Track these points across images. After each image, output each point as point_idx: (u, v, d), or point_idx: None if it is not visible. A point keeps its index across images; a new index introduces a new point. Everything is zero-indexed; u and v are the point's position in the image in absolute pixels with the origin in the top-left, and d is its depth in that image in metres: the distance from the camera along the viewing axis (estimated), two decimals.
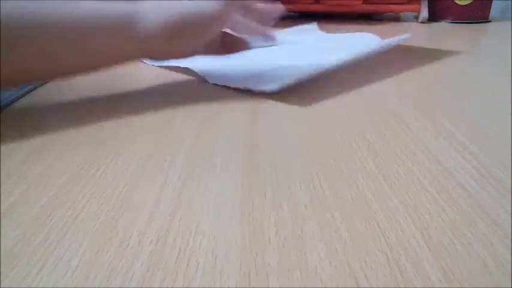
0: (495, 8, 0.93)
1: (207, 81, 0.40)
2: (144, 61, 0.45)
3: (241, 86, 0.37)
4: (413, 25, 0.85)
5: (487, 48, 0.63)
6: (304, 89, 0.38)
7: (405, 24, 0.87)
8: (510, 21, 0.88)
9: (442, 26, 0.85)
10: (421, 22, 0.87)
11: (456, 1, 0.88)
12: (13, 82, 0.28)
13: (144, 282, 0.16)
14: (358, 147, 0.27)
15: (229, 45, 0.38)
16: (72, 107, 0.34)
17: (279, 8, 0.40)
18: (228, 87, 0.39)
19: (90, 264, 0.17)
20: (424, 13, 0.87)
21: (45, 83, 0.40)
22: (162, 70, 0.45)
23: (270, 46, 0.41)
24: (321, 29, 0.61)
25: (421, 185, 0.22)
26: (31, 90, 0.38)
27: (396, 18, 0.95)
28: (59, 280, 0.16)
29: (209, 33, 0.35)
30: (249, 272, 0.16)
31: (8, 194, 0.22)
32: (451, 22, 0.88)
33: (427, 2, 0.87)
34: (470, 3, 0.87)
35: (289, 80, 0.36)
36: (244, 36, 0.38)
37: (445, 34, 0.75)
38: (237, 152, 0.26)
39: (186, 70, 0.43)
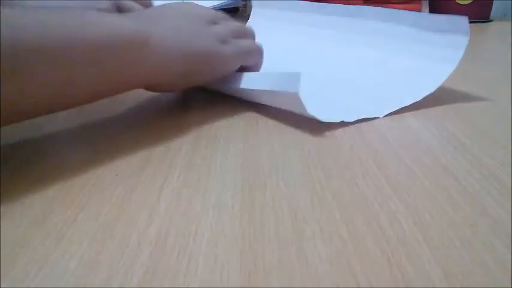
0: (496, 7, 0.93)
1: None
2: None
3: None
4: None
5: (488, 48, 0.63)
6: None
7: None
8: (511, 21, 0.88)
9: None
10: None
11: (457, 0, 0.88)
12: (14, 115, 0.22)
13: (144, 283, 0.16)
14: (359, 148, 0.27)
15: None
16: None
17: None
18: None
19: (89, 265, 0.17)
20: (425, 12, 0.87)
21: None
22: None
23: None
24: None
25: (422, 185, 0.22)
26: None
27: None
28: (59, 280, 0.16)
29: (221, 74, 0.33)
30: (249, 272, 0.16)
31: (8, 193, 0.22)
32: None
33: (427, 1, 0.87)
34: (471, 2, 0.87)
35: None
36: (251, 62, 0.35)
37: None
38: (237, 151, 0.26)
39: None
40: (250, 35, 0.36)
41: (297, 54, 0.46)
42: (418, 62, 0.36)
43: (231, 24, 0.35)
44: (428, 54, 0.36)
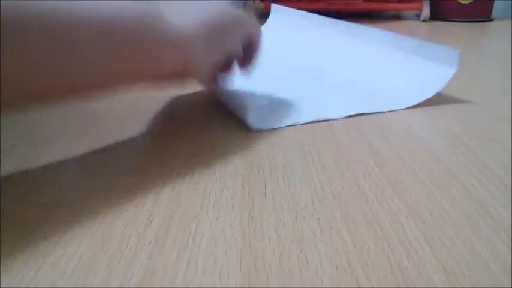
0: (497, 7, 0.92)
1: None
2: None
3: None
4: (415, 24, 0.85)
5: (489, 47, 0.63)
6: None
7: (407, 22, 0.87)
8: (511, 21, 0.88)
9: (444, 24, 0.84)
10: (423, 21, 0.87)
11: (458, 0, 0.87)
12: (17, 98, 0.20)
13: (143, 283, 0.16)
14: (359, 147, 0.27)
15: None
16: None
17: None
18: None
19: (89, 265, 0.17)
20: (426, 12, 0.87)
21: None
22: None
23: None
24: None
25: (423, 185, 0.22)
26: None
27: (398, 17, 0.95)
28: (58, 280, 0.16)
29: (242, 35, 0.30)
30: (249, 272, 0.16)
31: (8, 194, 0.22)
32: (453, 21, 0.88)
33: (429, 0, 0.87)
34: (473, 2, 0.87)
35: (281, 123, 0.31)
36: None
37: (447, 33, 0.74)
38: (237, 151, 0.26)
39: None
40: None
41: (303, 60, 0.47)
42: (401, 81, 0.37)
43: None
44: (414, 78, 0.37)
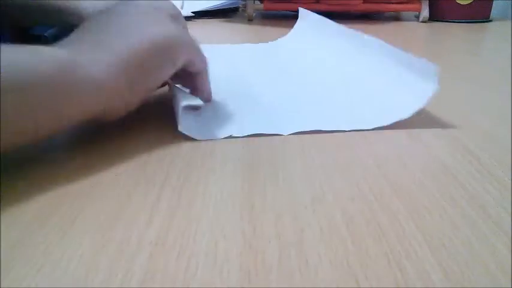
0: (496, 7, 0.93)
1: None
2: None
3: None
4: (414, 25, 0.85)
5: (488, 48, 0.63)
6: None
7: (406, 23, 0.87)
8: (510, 21, 0.88)
9: (443, 25, 0.84)
10: (421, 22, 0.87)
11: (457, 0, 0.88)
12: None
13: (143, 283, 0.16)
14: (359, 147, 0.27)
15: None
16: None
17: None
18: None
19: (89, 265, 0.17)
20: (425, 12, 0.87)
21: None
22: None
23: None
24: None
25: (423, 185, 0.22)
26: None
27: (397, 18, 0.95)
28: (58, 280, 0.16)
29: (175, 63, 0.28)
30: (249, 272, 0.16)
31: (8, 193, 0.22)
32: (452, 21, 0.88)
33: (427, 1, 0.87)
34: (471, 2, 0.87)
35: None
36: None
37: (446, 34, 0.75)
38: (237, 151, 0.26)
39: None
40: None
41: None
42: (385, 94, 0.33)
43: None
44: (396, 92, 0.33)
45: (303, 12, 0.58)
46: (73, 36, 0.27)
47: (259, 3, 0.90)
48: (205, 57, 0.31)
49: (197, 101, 0.29)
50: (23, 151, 0.26)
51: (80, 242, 0.18)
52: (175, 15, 0.31)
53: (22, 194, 0.21)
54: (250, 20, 0.87)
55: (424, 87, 0.30)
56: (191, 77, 0.31)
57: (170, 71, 0.28)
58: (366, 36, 0.40)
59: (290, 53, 0.52)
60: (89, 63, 0.24)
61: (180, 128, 0.28)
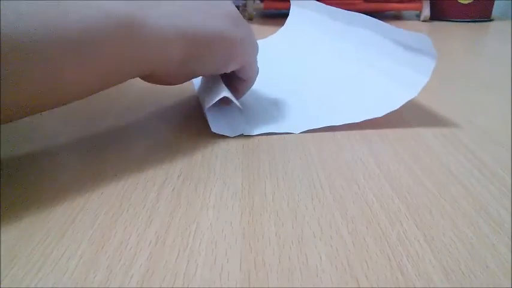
0: (497, 7, 0.93)
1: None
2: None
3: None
4: (415, 24, 0.85)
5: (489, 48, 0.63)
6: None
7: (407, 23, 0.87)
8: (511, 21, 0.88)
9: (444, 24, 0.84)
10: (423, 21, 0.87)
11: (458, 0, 0.87)
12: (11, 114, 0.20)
13: (143, 283, 0.16)
14: (359, 147, 0.27)
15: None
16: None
17: None
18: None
19: (89, 265, 0.17)
20: (426, 12, 0.87)
21: None
22: None
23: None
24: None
25: (423, 184, 0.22)
26: None
27: (398, 17, 0.95)
28: (58, 280, 0.16)
29: (237, 63, 0.28)
30: (249, 272, 0.16)
31: (8, 193, 0.22)
32: (453, 21, 0.88)
33: (429, 0, 0.87)
34: (473, 2, 0.87)
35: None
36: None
37: (447, 33, 0.74)
38: (237, 151, 0.26)
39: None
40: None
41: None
42: (388, 77, 0.33)
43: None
44: (398, 73, 0.33)
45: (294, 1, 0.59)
46: None
47: (259, 2, 0.90)
48: (257, 67, 0.31)
49: (227, 93, 0.28)
50: (22, 150, 0.26)
51: (80, 242, 0.18)
52: (241, 18, 0.29)
53: (22, 194, 0.21)
54: (250, 19, 0.87)
55: (418, 77, 0.30)
56: (235, 79, 0.31)
57: (230, 67, 0.28)
58: (361, 16, 0.39)
59: (285, 49, 0.52)
60: (156, 18, 0.24)
61: (213, 129, 0.28)
